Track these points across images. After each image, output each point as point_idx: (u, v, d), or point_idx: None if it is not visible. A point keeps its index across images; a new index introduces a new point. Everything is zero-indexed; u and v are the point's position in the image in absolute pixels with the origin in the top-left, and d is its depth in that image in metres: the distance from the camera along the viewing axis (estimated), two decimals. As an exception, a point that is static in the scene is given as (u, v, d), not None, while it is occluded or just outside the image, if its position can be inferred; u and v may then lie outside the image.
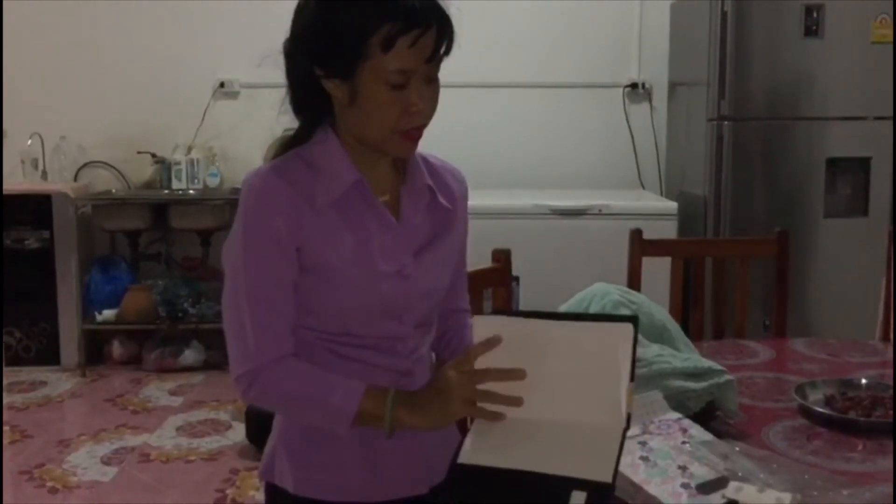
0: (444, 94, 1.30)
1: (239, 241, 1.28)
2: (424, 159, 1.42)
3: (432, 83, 1.27)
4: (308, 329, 1.34)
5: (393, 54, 1.21)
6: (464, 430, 1.40)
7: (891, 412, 1.66)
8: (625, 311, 1.79)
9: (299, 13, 1.29)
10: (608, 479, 1.13)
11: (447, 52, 1.26)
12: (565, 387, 1.21)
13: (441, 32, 1.23)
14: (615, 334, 1.18)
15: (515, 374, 1.21)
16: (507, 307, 2.22)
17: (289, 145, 1.36)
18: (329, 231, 1.29)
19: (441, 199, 1.40)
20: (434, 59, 1.25)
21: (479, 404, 1.23)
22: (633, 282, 2.53)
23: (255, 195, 1.28)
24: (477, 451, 1.21)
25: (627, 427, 1.19)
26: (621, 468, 1.22)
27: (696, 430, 1.48)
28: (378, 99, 1.24)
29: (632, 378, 1.18)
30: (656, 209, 3.99)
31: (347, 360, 1.34)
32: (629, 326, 1.17)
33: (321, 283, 1.30)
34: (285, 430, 1.41)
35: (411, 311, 1.36)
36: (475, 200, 1.55)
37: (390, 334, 1.35)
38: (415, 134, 1.29)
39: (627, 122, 4.77)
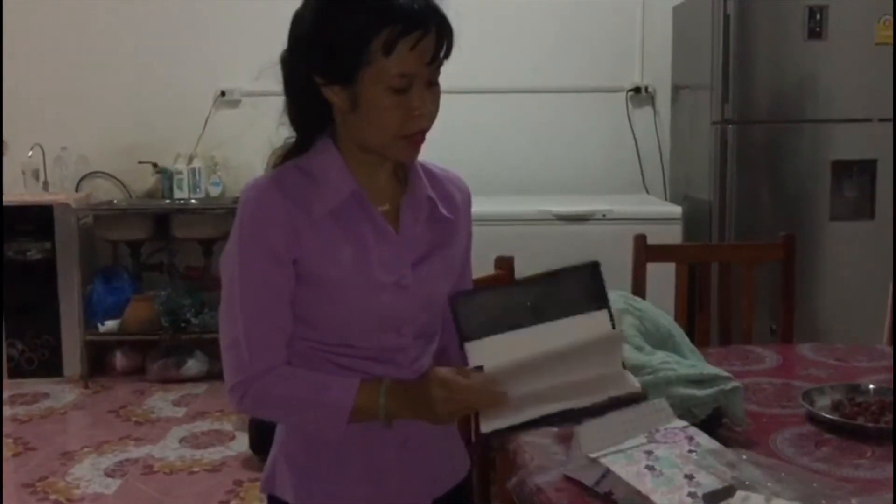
0: (446, 99, 1.30)
1: (235, 253, 1.28)
2: (426, 169, 1.40)
3: (433, 87, 1.27)
4: (308, 340, 1.32)
5: (394, 58, 1.21)
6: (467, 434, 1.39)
7: (901, 418, 1.63)
8: (629, 319, 1.77)
9: (296, 24, 1.28)
10: (636, 387, 1.32)
11: (447, 55, 1.26)
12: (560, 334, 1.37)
13: (441, 35, 1.23)
14: (594, 322, 1.42)
15: (501, 398, 1.27)
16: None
17: (287, 156, 1.35)
18: (327, 242, 1.28)
19: (442, 209, 1.39)
20: (435, 61, 1.24)
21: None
22: (638, 288, 2.50)
23: (252, 207, 1.28)
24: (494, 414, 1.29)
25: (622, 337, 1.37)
26: (626, 478, 1.28)
27: (703, 439, 1.45)
28: (380, 104, 1.23)
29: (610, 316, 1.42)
30: (661, 214, 3.96)
31: (348, 372, 1.32)
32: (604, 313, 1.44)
33: (319, 294, 1.29)
34: (286, 441, 1.40)
35: (410, 322, 1.34)
36: (477, 207, 1.53)
37: (390, 345, 1.34)
38: (418, 139, 1.28)
39: (631, 126, 4.75)
